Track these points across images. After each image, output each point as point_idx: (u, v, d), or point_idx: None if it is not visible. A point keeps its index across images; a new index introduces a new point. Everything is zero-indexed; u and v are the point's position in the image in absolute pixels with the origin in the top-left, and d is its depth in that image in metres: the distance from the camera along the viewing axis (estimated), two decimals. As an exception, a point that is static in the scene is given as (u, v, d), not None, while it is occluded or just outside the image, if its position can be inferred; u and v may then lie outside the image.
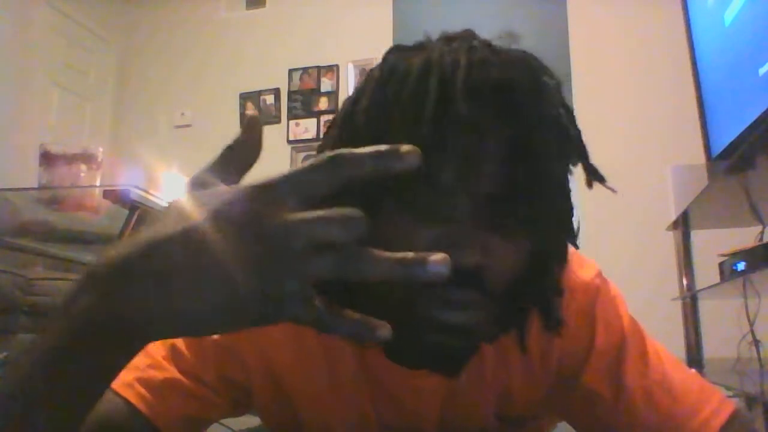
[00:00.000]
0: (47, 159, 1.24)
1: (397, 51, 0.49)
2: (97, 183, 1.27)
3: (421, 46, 0.48)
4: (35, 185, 1.24)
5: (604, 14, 3.15)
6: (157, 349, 0.56)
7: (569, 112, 0.47)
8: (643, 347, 0.57)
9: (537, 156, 0.44)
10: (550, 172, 0.45)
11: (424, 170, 0.39)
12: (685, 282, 1.89)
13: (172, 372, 0.55)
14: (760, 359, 1.76)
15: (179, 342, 0.56)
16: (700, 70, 1.82)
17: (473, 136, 0.43)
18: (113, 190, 1.11)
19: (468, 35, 0.48)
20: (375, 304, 0.44)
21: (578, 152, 0.47)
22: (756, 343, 1.77)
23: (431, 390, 0.56)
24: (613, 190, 0.48)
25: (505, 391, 0.58)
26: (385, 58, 0.49)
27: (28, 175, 1.30)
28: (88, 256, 1.87)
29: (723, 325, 1.85)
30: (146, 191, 1.15)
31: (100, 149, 1.30)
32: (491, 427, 0.60)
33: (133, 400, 0.53)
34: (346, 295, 0.46)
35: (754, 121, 1.30)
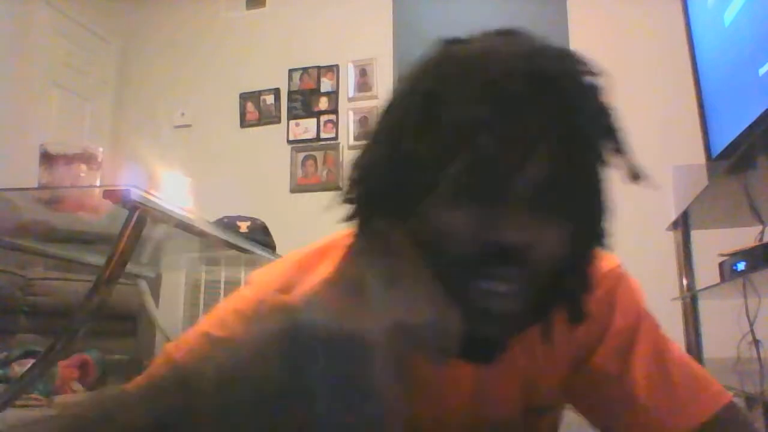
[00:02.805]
0: (47, 159, 1.23)
1: (447, 42, 0.50)
2: (97, 183, 1.26)
3: (470, 39, 0.49)
4: (35, 185, 1.24)
5: (604, 14, 3.14)
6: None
7: (612, 109, 0.49)
8: (655, 334, 0.59)
9: (586, 146, 0.46)
10: (596, 164, 0.47)
11: (476, 151, 0.42)
12: (685, 282, 1.89)
13: None
14: (760, 359, 1.76)
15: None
16: (700, 70, 1.82)
17: (527, 120, 0.44)
18: (113, 190, 1.10)
19: (515, 31, 0.49)
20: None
21: (620, 148, 0.49)
22: (756, 343, 1.76)
23: (462, 380, 0.57)
24: (650, 188, 0.49)
25: (530, 380, 0.59)
26: (435, 48, 0.50)
27: (28, 175, 1.30)
28: (88, 256, 1.87)
29: (723, 325, 1.85)
30: (146, 191, 1.15)
31: (100, 149, 1.29)
32: (516, 418, 0.61)
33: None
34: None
35: (754, 121, 1.30)
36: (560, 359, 0.58)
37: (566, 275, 0.49)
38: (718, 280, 1.60)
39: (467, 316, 0.46)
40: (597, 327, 0.57)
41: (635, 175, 0.48)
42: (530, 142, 0.44)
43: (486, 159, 0.44)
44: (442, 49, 0.49)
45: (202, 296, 3.37)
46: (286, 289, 0.58)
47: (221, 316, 0.60)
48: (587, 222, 0.48)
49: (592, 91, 0.47)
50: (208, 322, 0.61)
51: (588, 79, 0.47)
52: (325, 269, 0.58)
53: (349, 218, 0.54)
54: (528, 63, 0.44)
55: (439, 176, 0.45)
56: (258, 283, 0.62)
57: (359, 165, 0.52)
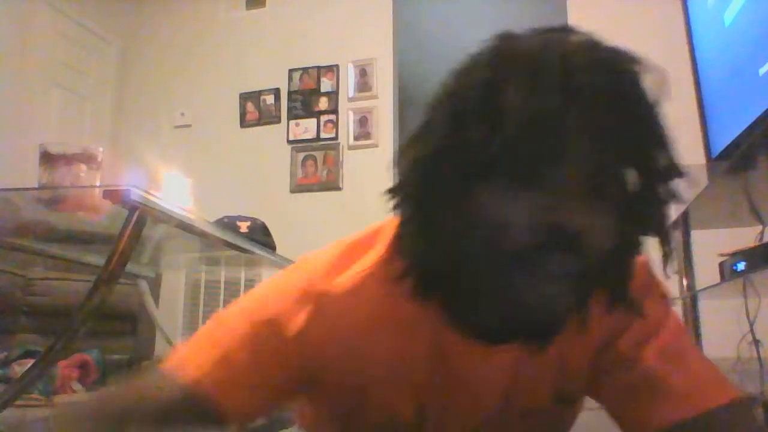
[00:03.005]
0: (47, 159, 1.23)
1: (501, 36, 0.50)
2: (97, 183, 1.26)
3: (523, 34, 0.50)
4: (35, 185, 1.24)
5: (604, 14, 3.14)
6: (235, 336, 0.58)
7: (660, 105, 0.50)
8: (678, 326, 0.61)
9: (642, 138, 0.47)
10: (650, 154, 0.48)
11: (535, 137, 0.44)
12: (685, 282, 1.88)
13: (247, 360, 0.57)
14: (760, 359, 1.76)
15: (261, 328, 0.58)
16: (700, 70, 1.82)
17: (587, 108, 0.45)
18: (113, 190, 1.10)
19: (568, 27, 0.50)
20: (475, 277, 0.49)
21: (669, 144, 0.50)
22: (756, 343, 1.76)
23: (501, 368, 0.58)
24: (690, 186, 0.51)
25: (563, 368, 0.60)
26: (490, 43, 0.50)
27: (28, 175, 1.30)
28: (88, 256, 1.87)
29: (723, 325, 1.85)
30: (146, 191, 1.15)
31: (100, 149, 1.29)
32: (545, 407, 0.62)
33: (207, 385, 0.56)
34: (445, 274, 0.52)
35: (754, 121, 1.30)
36: (590, 346, 0.59)
37: (613, 261, 0.50)
38: (718, 280, 1.60)
39: (523, 300, 0.47)
40: (629, 317, 0.58)
41: (678, 172, 0.49)
42: (584, 129, 0.45)
43: (546, 145, 0.45)
44: (498, 42, 0.50)
45: (202, 296, 3.37)
46: (332, 274, 0.59)
47: (265, 296, 0.61)
48: (639, 210, 0.49)
49: (644, 87, 0.48)
50: (250, 301, 0.62)
51: (640, 74, 0.48)
52: (372, 257, 0.59)
53: (398, 206, 0.54)
54: (589, 53, 0.46)
55: (499, 161, 0.46)
56: (306, 265, 0.62)
57: (411, 154, 0.53)
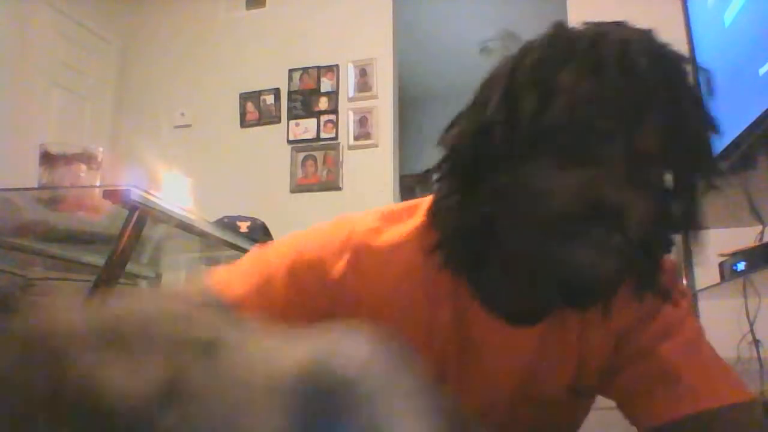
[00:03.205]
0: (47, 159, 1.23)
1: (558, 25, 0.53)
2: (97, 183, 1.26)
3: (559, 24, 0.52)
4: (35, 185, 1.24)
5: (603, 14, 3.14)
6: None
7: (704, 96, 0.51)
8: (696, 324, 0.62)
9: (689, 125, 0.48)
10: (696, 143, 0.49)
11: (584, 115, 0.45)
12: (685, 282, 1.88)
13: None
14: (760, 359, 1.76)
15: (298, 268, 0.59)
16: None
17: (635, 91, 0.46)
18: (113, 190, 1.10)
19: (621, 22, 0.53)
20: (516, 248, 0.51)
21: (711, 142, 0.50)
22: (756, 343, 1.77)
23: (521, 350, 0.58)
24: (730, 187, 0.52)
25: (583, 360, 0.60)
26: (544, 33, 0.52)
27: (28, 175, 1.30)
28: (88, 256, 1.87)
29: (723, 325, 1.84)
30: (146, 191, 1.15)
31: (100, 149, 1.30)
32: (560, 397, 0.62)
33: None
34: (481, 248, 0.53)
35: (754, 121, 1.30)
36: (610, 336, 0.59)
37: (650, 247, 0.51)
38: (718, 280, 1.60)
39: (566, 267, 0.48)
40: (650, 306, 0.58)
41: (717, 172, 0.51)
42: (633, 111, 0.46)
43: (599, 123, 0.46)
44: (551, 29, 0.52)
45: (202, 296, 3.36)
46: (372, 232, 0.60)
47: (304, 242, 0.62)
48: (678, 204, 0.51)
49: (691, 76, 0.49)
50: (288, 245, 0.62)
51: (691, 69, 0.49)
52: (410, 226, 0.60)
53: (440, 180, 0.56)
54: (641, 40, 0.48)
55: (548, 137, 0.47)
56: (345, 222, 0.63)
57: (457, 130, 0.54)
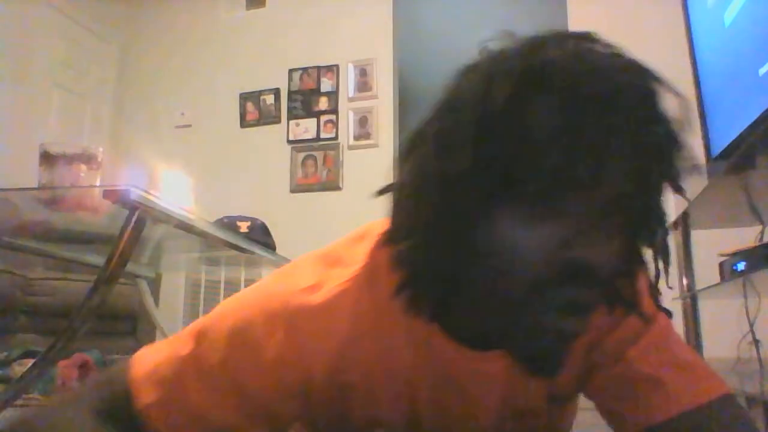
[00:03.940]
0: (47, 159, 1.23)
1: (528, 44, 0.46)
2: (97, 183, 1.26)
3: (534, 43, 0.46)
4: (35, 185, 1.24)
5: (604, 14, 3.14)
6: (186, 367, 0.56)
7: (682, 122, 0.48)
8: (667, 326, 0.60)
9: (662, 160, 0.45)
10: (666, 179, 0.47)
11: (556, 165, 0.42)
12: (685, 282, 1.88)
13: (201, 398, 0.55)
14: (760, 359, 1.77)
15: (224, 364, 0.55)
16: (700, 70, 1.82)
17: (609, 134, 0.42)
18: (113, 190, 1.10)
19: (589, 36, 0.47)
20: (483, 300, 0.49)
21: (689, 163, 0.48)
22: (756, 343, 1.77)
23: (496, 371, 0.57)
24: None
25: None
26: (513, 47, 0.46)
27: (28, 175, 1.30)
28: (88, 256, 1.87)
29: (723, 325, 1.85)
30: (146, 191, 1.15)
31: (100, 149, 1.29)
32: (541, 407, 0.62)
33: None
34: (447, 291, 0.50)
35: (754, 121, 1.30)
36: (581, 345, 0.59)
37: (622, 280, 0.50)
38: (718, 280, 1.60)
39: (534, 333, 0.47)
40: (618, 314, 0.57)
41: (680, 190, 0.48)
42: (606, 155, 0.43)
43: (560, 174, 0.42)
44: (523, 52, 0.45)
45: (202, 296, 3.37)
46: (308, 292, 0.56)
47: (250, 316, 0.56)
48: (648, 230, 0.49)
49: (665, 109, 0.46)
50: (234, 317, 0.57)
51: (661, 93, 0.46)
52: (355, 265, 0.57)
53: (398, 212, 0.52)
54: (619, 74, 0.44)
55: (519, 182, 0.43)
56: (286, 278, 0.59)
57: (410, 168, 0.50)
